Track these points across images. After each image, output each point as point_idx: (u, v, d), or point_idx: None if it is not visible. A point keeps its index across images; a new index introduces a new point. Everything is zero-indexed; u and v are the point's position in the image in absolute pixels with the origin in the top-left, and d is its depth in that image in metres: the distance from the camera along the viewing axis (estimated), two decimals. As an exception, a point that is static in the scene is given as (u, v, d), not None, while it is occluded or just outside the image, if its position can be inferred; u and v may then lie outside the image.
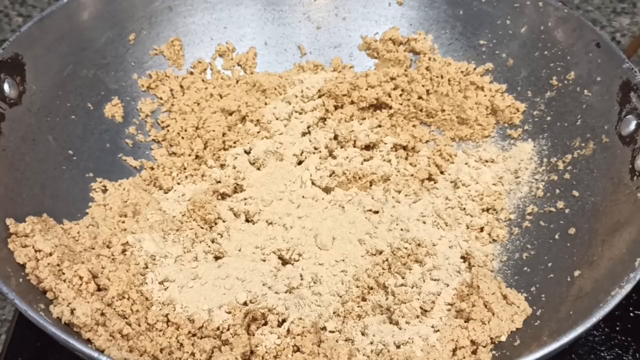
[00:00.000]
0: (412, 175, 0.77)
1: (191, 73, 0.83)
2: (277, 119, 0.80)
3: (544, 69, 0.76)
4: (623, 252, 0.59)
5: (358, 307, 0.66)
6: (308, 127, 0.80)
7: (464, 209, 0.73)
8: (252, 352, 0.61)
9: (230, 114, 0.80)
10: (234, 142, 0.78)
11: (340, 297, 0.66)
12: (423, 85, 0.80)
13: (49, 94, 0.71)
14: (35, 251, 0.60)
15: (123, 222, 0.70)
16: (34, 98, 0.69)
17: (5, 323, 0.75)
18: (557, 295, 0.63)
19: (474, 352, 0.61)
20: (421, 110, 0.81)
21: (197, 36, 0.83)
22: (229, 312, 0.63)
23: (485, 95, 0.79)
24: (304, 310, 0.64)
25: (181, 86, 0.82)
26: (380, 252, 0.69)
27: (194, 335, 0.62)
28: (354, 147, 0.78)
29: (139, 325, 0.61)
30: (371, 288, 0.67)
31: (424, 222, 0.72)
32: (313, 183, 0.76)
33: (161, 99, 0.81)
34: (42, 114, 0.70)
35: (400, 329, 0.63)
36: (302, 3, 0.86)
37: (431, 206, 0.74)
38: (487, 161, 0.77)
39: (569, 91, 0.74)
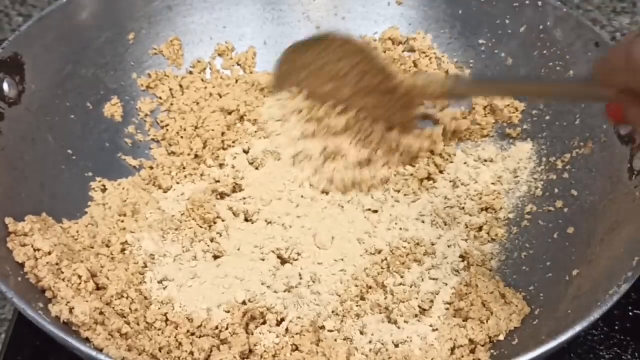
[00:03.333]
0: (411, 174, 0.77)
1: (190, 72, 0.83)
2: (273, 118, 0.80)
3: (543, 68, 0.76)
4: (621, 251, 0.59)
5: (357, 306, 0.66)
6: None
7: (463, 208, 0.73)
8: (250, 351, 0.61)
9: (229, 113, 0.80)
10: (233, 142, 0.78)
11: (339, 296, 0.66)
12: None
13: (48, 94, 0.71)
14: (34, 250, 0.60)
15: (122, 221, 0.70)
16: (33, 97, 0.69)
17: (5, 322, 0.75)
18: (555, 294, 0.63)
19: (472, 351, 0.61)
20: (420, 109, 0.81)
21: (196, 36, 0.83)
22: (228, 311, 0.63)
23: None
24: (303, 310, 0.64)
25: (180, 85, 0.82)
26: (379, 251, 0.69)
27: (192, 334, 0.62)
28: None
29: (138, 324, 0.61)
30: (370, 287, 0.67)
31: (423, 222, 0.72)
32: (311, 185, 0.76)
33: (160, 98, 0.81)
34: (41, 113, 0.70)
35: (398, 328, 0.64)
36: (301, 2, 0.86)
37: (430, 205, 0.74)
38: (486, 160, 0.77)
39: (568, 90, 0.74)
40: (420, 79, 0.64)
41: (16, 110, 0.67)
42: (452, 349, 0.61)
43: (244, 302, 0.64)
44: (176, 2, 0.82)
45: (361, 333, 0.63)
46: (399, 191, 0.75)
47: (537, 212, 0.72)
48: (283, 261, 0.69)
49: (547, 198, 0.72)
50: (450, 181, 0.76)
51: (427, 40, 0.82)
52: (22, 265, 0.59)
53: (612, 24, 1.06)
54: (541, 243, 0.69)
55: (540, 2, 0.76)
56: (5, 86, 0.66)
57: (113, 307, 0.61)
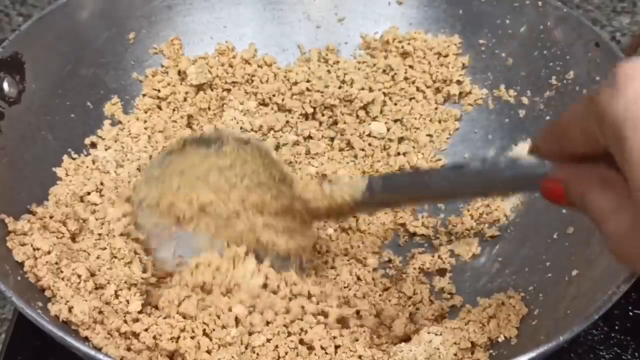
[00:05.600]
0: (410, 174, 0.77)
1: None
2: None
3: (544, 68, 0.76)
4: (621, 251, 0.59)
5: None
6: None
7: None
8: None
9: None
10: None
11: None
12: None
13: (48, 93, 0.71)
14: (34, 249, 0.60)
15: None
16: (33, 97, 0.69)
17: (5, 322, 0.75)
18: (554, 295, 0.62)
19: (472, 353, 0.61)
20: (420, 109, 0.81)
21: (196, 35, 0.83)
22: None
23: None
24: None
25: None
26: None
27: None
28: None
29: (137, 323, 0.61)
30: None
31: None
32: None
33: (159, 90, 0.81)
34: (42, 112, 0.70)
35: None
36: (301, 2, 0.85)
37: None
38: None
39: (568, 91, 0.74)
40: (322, 193, 0.55)
41: (16, 109, 0.67)
42: (456, 353, 0.61)
43: None
44: (176, 1, 0.82)
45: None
46: (399, 191, 0.75)
47: (537, 212, 0.71)
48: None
49: (547, 198, 0.71)
50: (450, 181, 0.76)
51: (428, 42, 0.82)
52: (21, 264, 0.59)
53: (612, 24, 1.06)
54: (541, 243, 0.69)
55: (541, 2, 0.76)
56: (6, 85, 0.67)
57: (112, 307, 0.61)
